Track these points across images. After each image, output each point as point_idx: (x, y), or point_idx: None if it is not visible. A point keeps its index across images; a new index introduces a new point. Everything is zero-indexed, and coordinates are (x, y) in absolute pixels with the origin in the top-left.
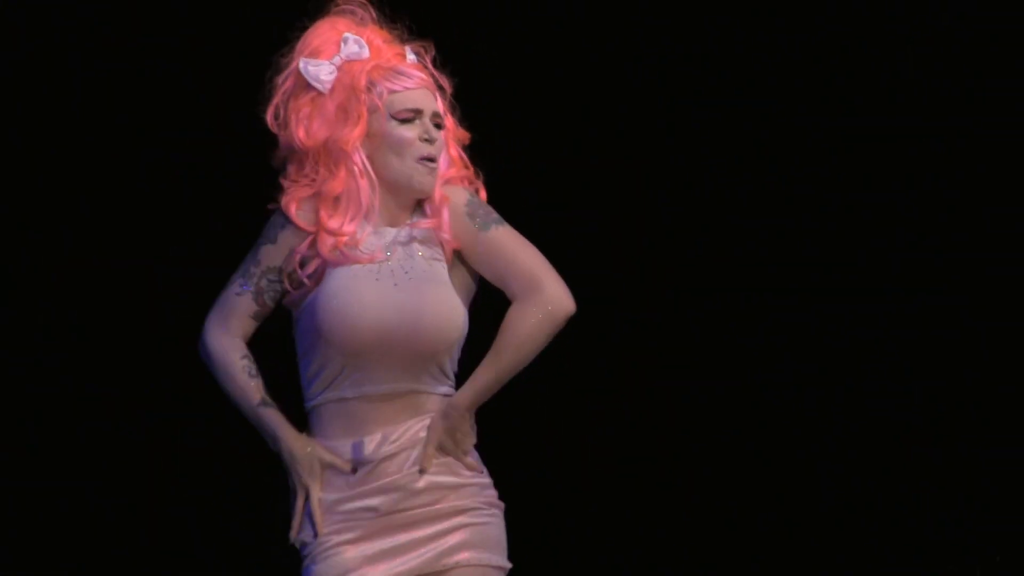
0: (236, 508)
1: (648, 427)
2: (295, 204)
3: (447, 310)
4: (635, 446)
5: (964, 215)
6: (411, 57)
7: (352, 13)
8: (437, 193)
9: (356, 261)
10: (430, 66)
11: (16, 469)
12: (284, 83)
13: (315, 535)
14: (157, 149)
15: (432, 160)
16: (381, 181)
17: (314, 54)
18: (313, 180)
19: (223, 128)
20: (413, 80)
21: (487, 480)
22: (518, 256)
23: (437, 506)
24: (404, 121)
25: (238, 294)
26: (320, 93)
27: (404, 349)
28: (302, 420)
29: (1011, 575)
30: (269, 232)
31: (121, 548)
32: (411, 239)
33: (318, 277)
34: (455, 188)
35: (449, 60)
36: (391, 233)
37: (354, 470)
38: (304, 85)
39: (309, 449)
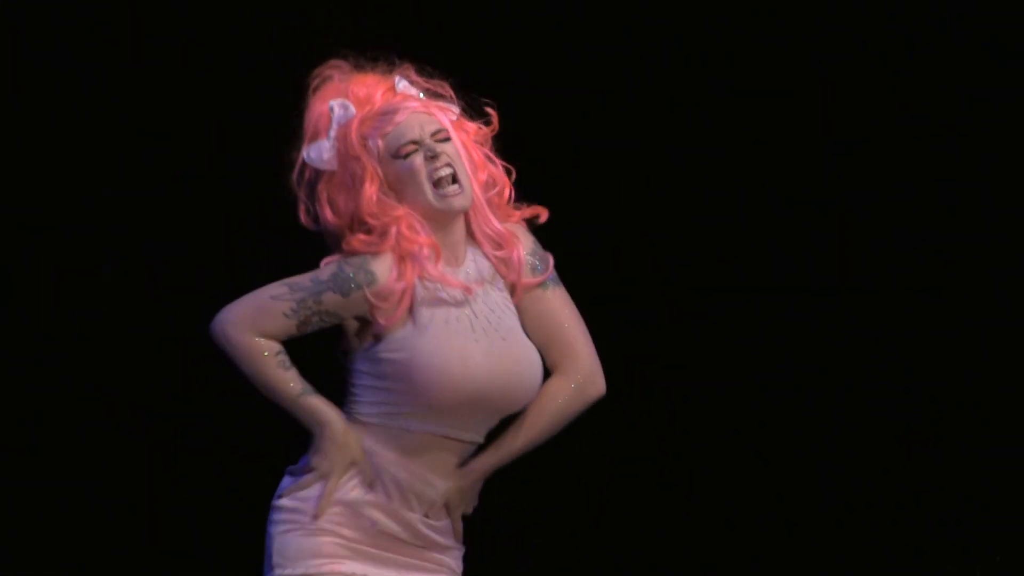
0: (236, 509)
1: (648, 427)
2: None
3: (535, 371)
4: (634, 446)
5: (963, 215)
6: (402, 85)
7: (332, 76)
8: (495, 225)
9: (450, 282)
10: (421, 81)
11: (15, 469)
12: (301, 180)
13: (312, 516)
14: (161, 149)
15: (448, 177)
16: (422, 215)
17: (313, 138)
18: (381, 238)
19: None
20: (400, 113)
21: (462, 550)
22: (564, 325)
23: (430, 553)
24: (407, 155)
25: (286, 315)
26: (331, 172)
27: (489, 408)
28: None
29: (1011, 575)
30: (340, 283)
31: (121, 548)
32: (482, 278)
33: (402, 314)
34: (520, 229)
35: (442, 62)
36: (463, 272)
37: (372, 482)
38: (316, 173)
39: (355, 446)
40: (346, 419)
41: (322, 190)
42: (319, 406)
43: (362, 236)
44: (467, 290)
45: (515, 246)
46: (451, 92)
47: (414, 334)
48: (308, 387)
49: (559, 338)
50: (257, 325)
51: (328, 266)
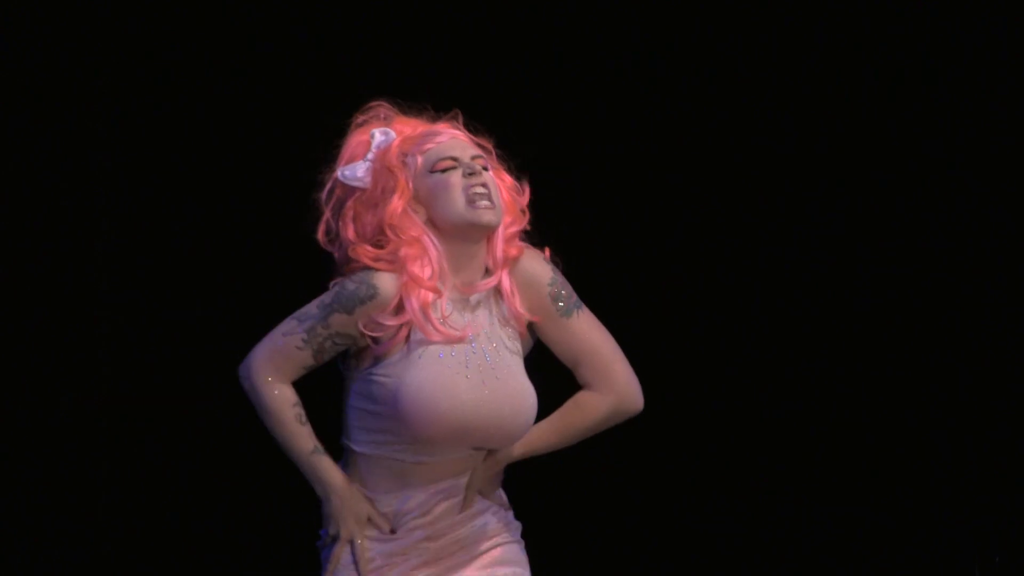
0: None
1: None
2: (382, 267)
3: (527, 411)
4: (637, 449)
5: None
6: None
7: (378, 115)
8: (501, 249)
9: (444, 335)
10: (465, 136)
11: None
12: (329, 199)
13: None
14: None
15: (483, 193)
16: (444, 236)
17: (350, 160)
18: (390, 260)
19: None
20: (444, 135)
21: (510, 511)
22: (595, 345)
23: (477, 542)
24: (444, 170)
25: (299, 348)
26: (363, 190)
27: (475, 442)
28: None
29: (1011, 575)
30: (344, 301)
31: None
32: (490, 312)
33: (399, 341)
34: (537, 259)
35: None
36: (471, 303)
37: (392, 531)
38: (347, 191)
39: (363, 501)
40: (345, 471)
41: (350, 207)
42: (327, 467)
43: (371, 249)
44: (455, 338)
45: (501, 275)
46: (493, 149)
47: (406, 363)
48: (319, 446)
49: (592, 360)
50: (279, 368)
51: (331, 290)
